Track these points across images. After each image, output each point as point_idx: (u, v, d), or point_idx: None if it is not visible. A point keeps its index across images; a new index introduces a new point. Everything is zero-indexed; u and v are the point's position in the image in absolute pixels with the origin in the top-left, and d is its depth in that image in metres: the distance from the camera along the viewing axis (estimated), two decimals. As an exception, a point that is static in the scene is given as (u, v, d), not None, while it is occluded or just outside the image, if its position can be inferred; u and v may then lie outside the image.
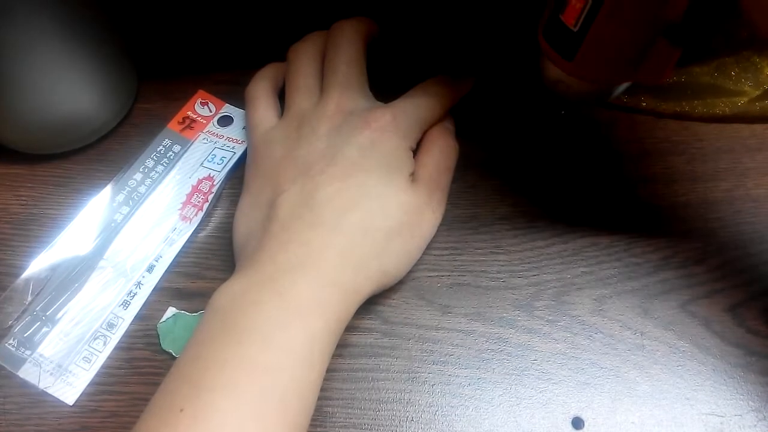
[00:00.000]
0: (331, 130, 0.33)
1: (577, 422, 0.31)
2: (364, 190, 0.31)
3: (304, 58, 0.37)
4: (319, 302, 0.28)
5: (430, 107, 0.35)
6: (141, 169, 0.38)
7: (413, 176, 0.34)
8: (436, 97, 0.36)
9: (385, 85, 0.37)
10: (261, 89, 0.38)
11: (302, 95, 0.36)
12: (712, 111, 0.40)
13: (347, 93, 0.34)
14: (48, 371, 0.32)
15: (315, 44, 0.38)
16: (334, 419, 0.31)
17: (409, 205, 0.32)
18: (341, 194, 0.31)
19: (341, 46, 0.36)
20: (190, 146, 0.39)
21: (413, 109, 0.34)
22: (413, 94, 0.36)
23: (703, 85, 0.40)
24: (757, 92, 0.40)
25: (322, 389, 0.31)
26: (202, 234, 0.37)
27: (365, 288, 0.31)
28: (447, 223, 0.37)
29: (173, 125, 0.40)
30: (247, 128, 0.37)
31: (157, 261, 0.35)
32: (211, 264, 0.36)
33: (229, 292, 0.29)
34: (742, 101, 0.40)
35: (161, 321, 0.33)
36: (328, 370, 0.31)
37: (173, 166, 0.38)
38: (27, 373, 0.32)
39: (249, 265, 0.30)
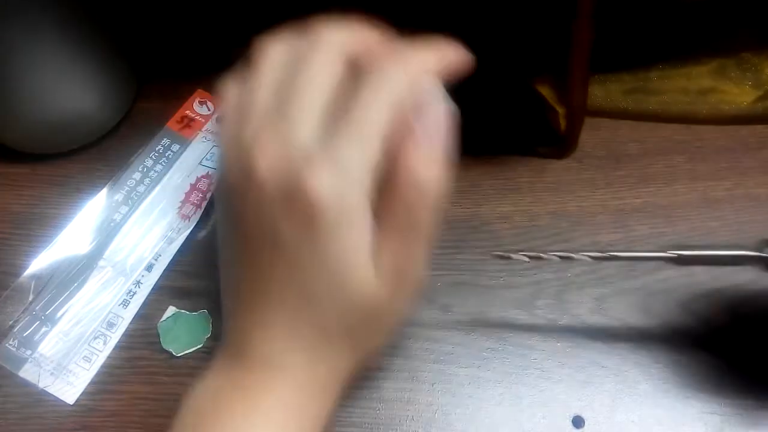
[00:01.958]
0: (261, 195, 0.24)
1: (578, 421, 0.31)
2: (312, 290, 0.25)
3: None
4: (290, 406, 0.26)
5: (376, 132, 0.23)
6: (140, 169, 0.38)
7: (375, 253, 0.24)
8: (392, 98, 0.24)
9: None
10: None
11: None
12: (717, 113, 0.40)
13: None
14: (48, 371, 0.32)
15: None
16: (334, 418, 0.31)
17: (368, 305, 0.25)
18: (290, 290, 0.25)
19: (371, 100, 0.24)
20: (188, 145, 0.39)
21: (358, 151, 0.23)
22: (356, 114, 0.23)
23: (704, 87, 0.40)
24: (759, 93, 0.40)
25: (322, 388, 0.31)
26: (202, 232, 0.37)
27: (336, 383, 0.27)
28: (448, 222, 0.37)
29: (172, 124, 0.40)
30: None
31: (156, 260, 0.35)
32: (211, 262, 0.35)
33: (203, 391, 0.26)
34: (745, 102, 0.40)
35: (161, 320, 0.33)
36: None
37: (172, 165, 0.38)
38: (27, 372, 0.32)
39: (222, 358, 0.27)
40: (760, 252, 0.27)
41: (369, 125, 0.23)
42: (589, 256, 0.28)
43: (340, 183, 0.23)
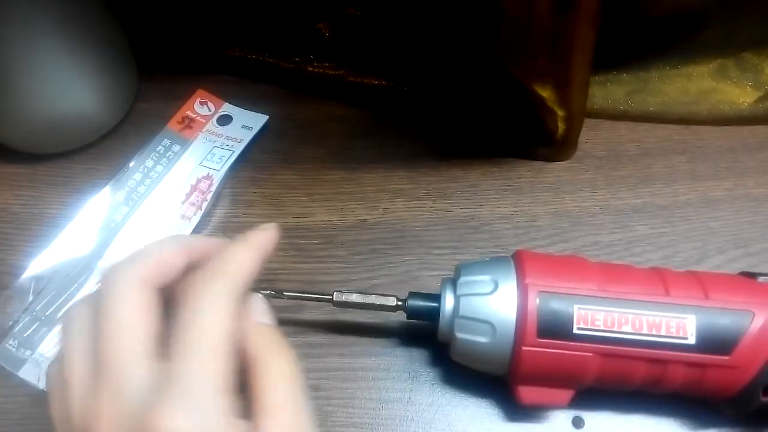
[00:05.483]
0: None
1: (578, 421, 0.31)
2: None
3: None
4: None
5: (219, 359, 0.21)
6: (140, 169, 0.38)
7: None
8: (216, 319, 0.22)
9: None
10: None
11: (76, 384, 0.22)
12: (717, 114, 0.40)
13: (118, 380, 0.21)
14: (48, 371, 0.32)
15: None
16: (334, 418, 0.31)
17: None
18: None
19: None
20: (189, 146, 0.39)
21: (198, 372, 0.21)
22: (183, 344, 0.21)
23: (704, 88, 0.41)
24: (759, 93, 0.40)
25: (323, 388, 0.31)
26: (202, 233, 0.37)
27: None
28: (448, 222, 0.37)
29: (173, 125, 0.40)
30: None
31: (157, 260, 0.35)
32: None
33: None
34: (745, 103, 0.40)
35: (161, 320, 0.33)
36: (329, 369, 0.31)
37: (172, 166, 0.38)
38: (27, 373, 0.32)
39: None
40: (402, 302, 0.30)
41: (202, 339, 0.21)
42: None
43: (194, 411, 0.20)
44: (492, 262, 0.30)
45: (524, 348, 0.27)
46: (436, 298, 0.30)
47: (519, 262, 0.29)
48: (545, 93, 0.36)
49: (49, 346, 0.32)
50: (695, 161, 0.39)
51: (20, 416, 0.31)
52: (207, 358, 0.21)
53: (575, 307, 0.27)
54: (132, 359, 0.21)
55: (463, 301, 0.28)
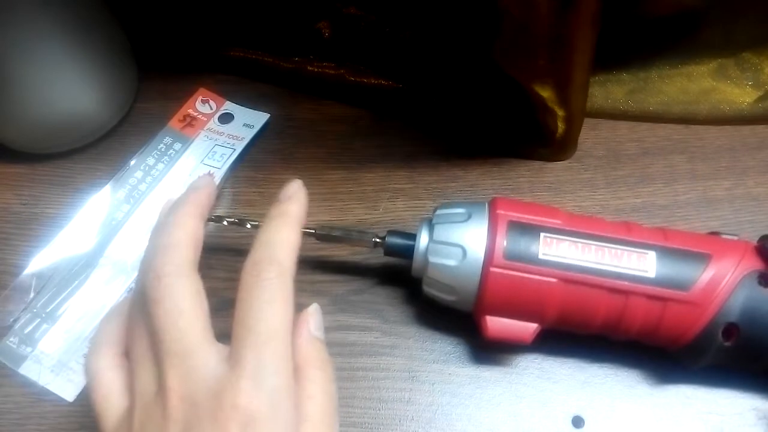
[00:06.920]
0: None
1: (578, 421, 0.31)
2: None
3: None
4: None
5: (283, 320, 0.24)
6: (142, 167, 0.38)
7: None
8: (278, 300, 0.24)
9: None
10: (102, 356, 0.26)
11: (141, 371, 0.24)
12: (717, 113, 0.40)
13: (185, 364, 0.23)
14: (48, 368, 0.32)
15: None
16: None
17: None
18: None
19: (155, 291, 0.24)
20: (190, 144, 0.39)
21: (270, 356, 0.23)
22: (248, 317, 0.23)
23: (704, 87, 0.41)
24: (759, 93, 0.40)
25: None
26: (204, 232, 0.37)
27: None
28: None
29: (174, 123, 0.40)
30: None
31: (157, 259, 0.35)
32: (211, 263, 0.35)
33: None
34: (745, 102, 0.40)
35: (161, 319, 0.33)
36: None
37: (174, 164, 0.38)
38: (28, 370, 0.32)
39: None
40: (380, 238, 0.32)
41: (270, 327, 0.23)
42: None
43: (268, 391, 0.22)
44: (468, 201, 0.32)
45: (492, 269, 0.28)
46: (413, 236, 0.31)
47: (493, 201, 0.31)
48: (545, 93, 0.36)
49: (49, 342, 0.32)
50: (695, 161, 0.39)
51: (21, 415, 0.31)
52: (277, 345, 0.23)
53: (541, 234, 0.29)
54: (196, 343, 0.23)
55: (437, 228, 0.30)
